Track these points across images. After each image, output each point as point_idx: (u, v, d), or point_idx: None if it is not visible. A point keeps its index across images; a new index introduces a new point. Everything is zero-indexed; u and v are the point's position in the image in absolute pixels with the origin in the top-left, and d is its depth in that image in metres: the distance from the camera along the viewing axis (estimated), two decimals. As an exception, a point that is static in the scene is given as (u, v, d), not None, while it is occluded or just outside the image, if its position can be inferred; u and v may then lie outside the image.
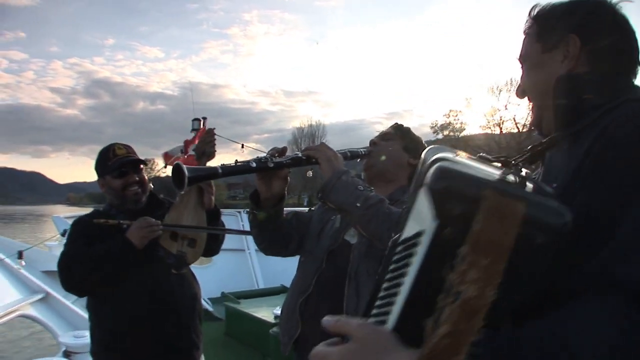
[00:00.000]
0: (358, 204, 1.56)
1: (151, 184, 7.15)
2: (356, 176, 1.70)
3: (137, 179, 2.52)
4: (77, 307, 4.64)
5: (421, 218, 0.75)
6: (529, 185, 0.75)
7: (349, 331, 0.83)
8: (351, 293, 1.74)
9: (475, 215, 0.68)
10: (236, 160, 1.75)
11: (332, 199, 1.61)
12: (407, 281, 0.76)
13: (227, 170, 1.62)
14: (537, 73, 1.15)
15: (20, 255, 5.38)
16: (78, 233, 2.49)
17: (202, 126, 7.56)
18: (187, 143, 6.61)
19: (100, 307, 2.45)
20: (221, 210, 2.67)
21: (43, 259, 6.17)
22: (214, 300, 6.68)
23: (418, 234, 0.75)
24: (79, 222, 2.56)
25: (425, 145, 2.06)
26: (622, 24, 1.08)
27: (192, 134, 7.48)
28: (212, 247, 2.59)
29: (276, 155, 1.72)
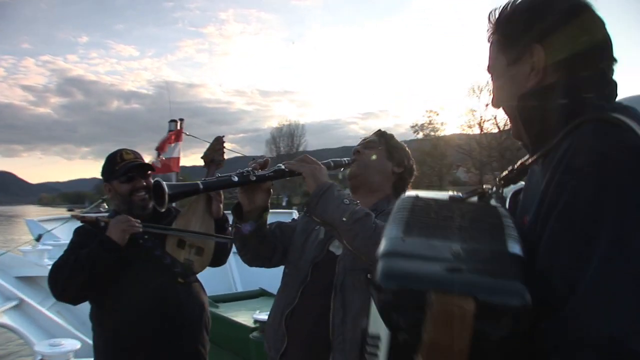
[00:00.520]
0: (344, 219, 1.55)
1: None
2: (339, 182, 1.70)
3: (144, 184, 2.49)
4: (53, 314, 4.54)
5: (376, 318, 0.74)
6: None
7: None
8: (337, 305, 1.73)
9: (424, 323, 0.65)
10: (218, 174, 1.74)
11: (318, 214, 1.60)
12: None
13: (208, 186, 1.61)
14: (505, 86, 1.09)
15: (-8, 260, 5.25)
16: (72, 242, 2.46)
17: (178, 127, 7.49)
18: (162, 144, 6.53)
19: (104, 318, 2.41)
20: None
21: (17, 265, 6.01)
22: None
23: (377, 337, 0.76)
24: (78, 230, 2.53)
25: (408, 152, 2.06)
26: (587, 22, 0.98)
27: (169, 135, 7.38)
28: (220, 257, 2.55)
29: (258, 168, 1.71)
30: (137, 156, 2.58)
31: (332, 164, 1.85)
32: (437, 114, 47.80)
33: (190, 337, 2.46)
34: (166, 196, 1.48)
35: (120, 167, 2.48)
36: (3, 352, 6.88)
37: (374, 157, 1.97)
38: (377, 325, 0.79)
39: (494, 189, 1.04)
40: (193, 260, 2.39)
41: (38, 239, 5.54)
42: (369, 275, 1.67)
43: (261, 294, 6.70)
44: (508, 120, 1.14)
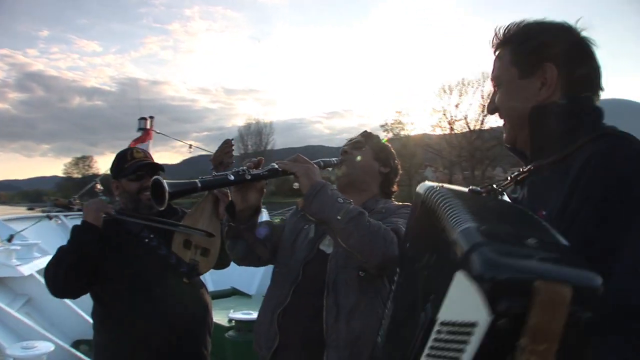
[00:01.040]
0: (339, 217, 1.59)
1: (99, 185, 6.82)
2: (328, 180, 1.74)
3: None
4: (22, 316, 4.42)
5: (468, 306, 0.79)
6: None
7: None
8: (330, 303, 1.77)
9: (531, 309, 0.73)
10: (214, 173, 1.77)
11: (313, 212, 1.63)
12: None
13: (206, 184, 1.62)
14: (514, 97, 1.21)
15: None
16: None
17: (148, 125, 7.36)
18: (133, 144, 6.44)
19: (105, 316, 2.39)
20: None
21: (-17, 266, 5.86)
22: None
23: (471, 324, 0.79)
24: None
25: (394, 152, 2.13)
26: (591, 53, 1.16)
27: (139, 133, 7.28)
28: (225, 258, 2.51)
29: (253, 167, 1.73)
30: (147, 155, 2.57)
31: (322, 163, 1.89)
32: (407, 115, 48.26)
33: (193, 339, 2.45)
34: (166, 194, 1.48)
35: (130, 165, 2.47)
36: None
37: (360, 157, 2.03)
38: (454, 313, 0.84)
39: (499, 188, 1.17)
40: (199, 260, 2.38)
41: (9, 239, 5.38)
42: (361, 272, 1.73)
43: (233, 293, 6.69)
44: (479, 118, 1.24)
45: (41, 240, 5.88)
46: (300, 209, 1.67)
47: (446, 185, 1.04)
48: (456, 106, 44.72)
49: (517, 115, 1.21)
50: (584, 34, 1.17)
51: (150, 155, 2.61)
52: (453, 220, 0.88)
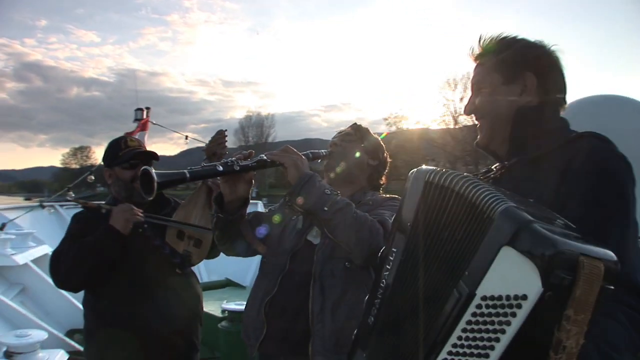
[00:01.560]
0: (325, 208, 1.61)
1: (92, 176, 6.78)
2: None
3: None
4: (17, 305, 4.45)
5: (516, 279, 0.87)
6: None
7: None
8: (316, 293, 1.79)
9: (577, 281, 0.82)
10: (203, 163, 1.77)
11: (300, 203, 1.64)
12: (505, 337, 0.88)
13: (195, 175, 1.62)
14: (496, 101, 1.33)
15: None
16: (70, 230, 2.42)
17: (144, 116, 7.35)
18: (128, 135, 6.42)
19: (98, 305, 2.37)
20: None
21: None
22: None
23: (520, 297, 0.86)
24: (76, 217, 2.48)
25: (383, 145, 2.13)
26: (560, 66, 1.33)
27: (135, 124, 7.27)
28: (215, 249, 2.53)
29: (242, 159, 1.73)
30: (141, 144, 2.56)
31: (310, 155, 1.90)
32: (411, 109, 48.11)
33: (186, 328, 2.45)
34: (155, 184, 1.48)
35: (125, 153, 2.45)
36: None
37: (350, 149, 2.04)
38: (498, 288, 0.90)
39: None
40: (191, 251, 2.40)
41: (1, 227, 5.39)
42: (347, 263, 1.75)
43: (227, 284, 6.71)
44: (479, 127, 1.40)
45: (36, 229, 5.89)
46: (288, 200, 1.68)
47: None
48: (461, 99, 44.58)
49: (499, 116, 1.33)
50: (554, 49, 1.33)
51: (144, 145, 2.60)
52: (487, 199, 0.96)
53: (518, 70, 1.30)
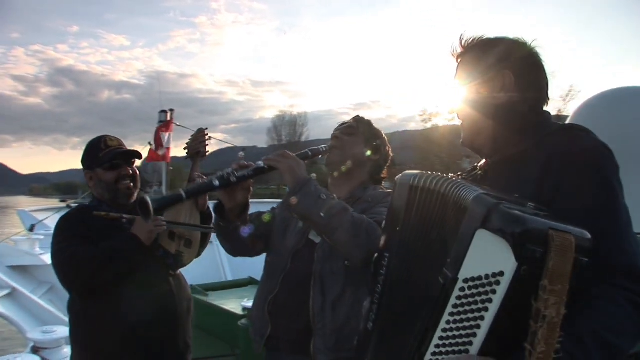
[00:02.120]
0: (322, 214, 1.61)
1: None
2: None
3: (130, 172, 2.37)
4: (45, 302, 4.61)
5: (491, 258, 0.93)
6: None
7: None
8: (316, 292, 1.80)
9: (549, 253, 0.88)
10: (202, 175, 1.81)
11: (296, 210, 1.65)
12: (489, 314, 0.94)
13: (191, 193, 1.65)
14: (476, 99, 1.37)
15: (-15, 250, 5.32)
16: (71, 230, 2.30)
17: (168, 118, 7.51)
18: (157, 136, 6.56)
19: (89, 309, 2.25)
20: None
21: (9, 254, 6.06)
22: None
23: (497, 274, 0.92)
24: (69, 218, 2.37)
25: (386, 138, 2.12)
26: (541, 64, 1.36)
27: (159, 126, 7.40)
28: (202, 248, 2.54)
29: (238, 168, 1.73)
30: (121, 143, 2.44)
31: (309, 152, 1.89)
32: (444, 106, 47.21)
33: (180, 329, 2.41)
34: (151, 210, 1.53)
35: (105, 154, 2.34)
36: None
37: (351, 145, 2.00)
38: (477, 269, 0.96)
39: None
40: (183, 252, 2.39)
41: (31, 229, 5.60)
42: (347, 262, 1.78)
43: (250, 282, 6.78)
44: (462, 126, 1.44)
45: None
46: (284, 207, 1.71)
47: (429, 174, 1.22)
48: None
49: (480, 114, 1.36)
50: (535, 49, 1.36)
51: (124, 144, 2.47)
52: (461, 192, 1.04)
53: (497, 68, 1.34)
